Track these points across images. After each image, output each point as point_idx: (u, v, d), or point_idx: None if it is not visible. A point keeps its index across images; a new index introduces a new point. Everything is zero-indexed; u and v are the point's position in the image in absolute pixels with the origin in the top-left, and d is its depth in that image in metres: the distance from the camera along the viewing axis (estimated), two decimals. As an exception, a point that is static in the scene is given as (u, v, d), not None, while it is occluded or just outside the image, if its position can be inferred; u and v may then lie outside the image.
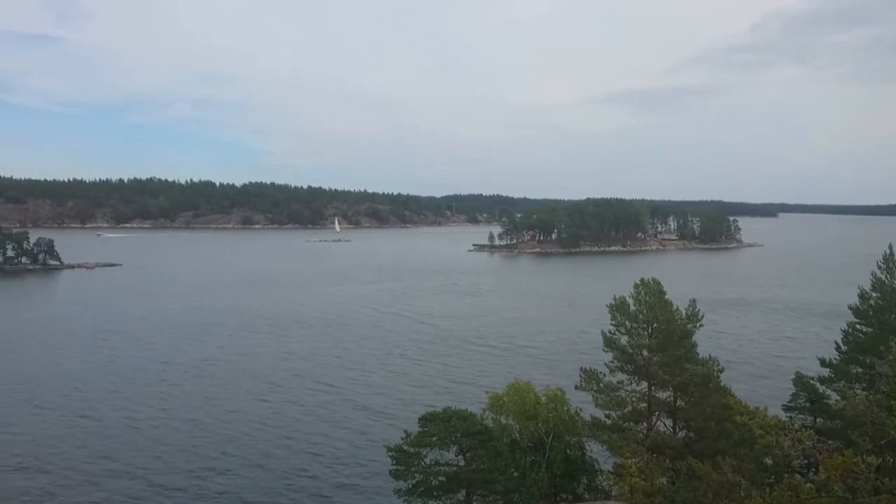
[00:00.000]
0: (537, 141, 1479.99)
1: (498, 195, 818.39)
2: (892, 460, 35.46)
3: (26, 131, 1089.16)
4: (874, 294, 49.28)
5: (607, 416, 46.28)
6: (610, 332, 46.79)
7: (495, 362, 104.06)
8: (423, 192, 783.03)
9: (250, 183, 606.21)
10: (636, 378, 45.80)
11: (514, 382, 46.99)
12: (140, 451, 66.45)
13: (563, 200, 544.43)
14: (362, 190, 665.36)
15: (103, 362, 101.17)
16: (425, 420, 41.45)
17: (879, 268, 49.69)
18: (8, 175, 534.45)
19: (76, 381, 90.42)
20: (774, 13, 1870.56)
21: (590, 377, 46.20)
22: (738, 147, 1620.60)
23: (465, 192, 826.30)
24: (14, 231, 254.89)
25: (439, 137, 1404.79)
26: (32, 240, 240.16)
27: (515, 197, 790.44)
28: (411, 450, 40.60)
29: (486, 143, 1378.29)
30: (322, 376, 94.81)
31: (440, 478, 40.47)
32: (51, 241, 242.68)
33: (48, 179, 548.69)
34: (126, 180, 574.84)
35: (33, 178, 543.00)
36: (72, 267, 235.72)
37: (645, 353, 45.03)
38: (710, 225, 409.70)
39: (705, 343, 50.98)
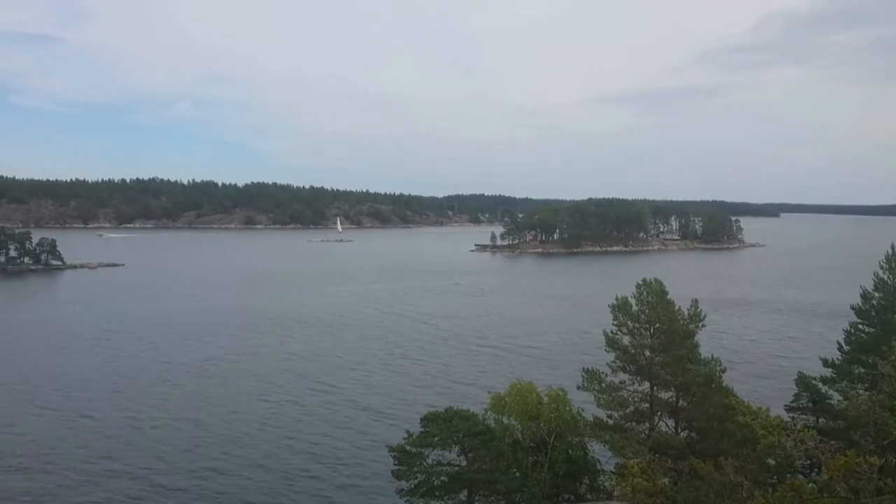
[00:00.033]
0: (538, 141, 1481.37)
1: (500, 195, 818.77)
2: (894, 461, 35.42)
3: (28, 131, 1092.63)
4: (876, 294, 49.26)
5: (609, 417, 46.26)
6: (612, 332, 46.76)
7: (497, 362, 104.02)
8: (424, 192, 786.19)
9: (252, 183, 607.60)
10: (638, 378, 45.78)
11: (516, 382, 46.98)
12: (142, 451, 66.50)
13: (565, 200, 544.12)
14: (364, 190, 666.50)
15: (105, 362, 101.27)
16: (427, 420, 41.44)
17: (882, 268, 49.67)
18: (10, 175, 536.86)
19: (78, 382, 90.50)
20: (776, 13, 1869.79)
21: (592, 377, 46.17)
22: (739, 147, 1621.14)
23: (465, 192, 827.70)
24: (17, 231, 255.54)
25: (439, 137, 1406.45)
26: (35, 240, 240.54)
27: (517, 197, 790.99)
28: (413, 450, 40.59)
29: (486, 144, 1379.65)
30: (324, 376, 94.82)
31: (442, 478, 40.44)
32: (53, 241, 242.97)
33: (50, 180, 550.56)
34: (128, 180, 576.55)
35: (36, 178, 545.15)
36: (74, 267, 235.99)
37: (647, 353, 45.01)
38: (712, 225, 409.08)
39: (707, 343, 50.95)
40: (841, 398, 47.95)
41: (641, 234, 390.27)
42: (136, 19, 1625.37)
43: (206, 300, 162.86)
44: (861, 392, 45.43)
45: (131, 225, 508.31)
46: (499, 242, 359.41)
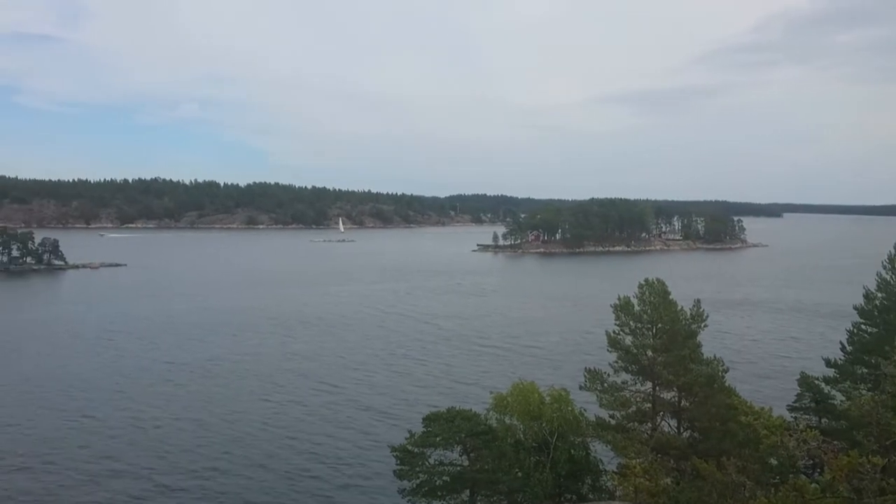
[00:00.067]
0: (539, 141, 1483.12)
1: (502, 195, 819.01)
2: (897, 461, 35.31)
3: (30, 132, 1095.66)
4: (879, 294, 49.14)
5: (611, 417, 46.24)
6: (614, 332, 46.73)
7: (499, 362, 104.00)
8: (425, 192, 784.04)
9: (254, 183, 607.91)
10: (640, 378, 45.75)
11: (518, 382, 46.96)
12: (144, 450, 66.53)
13: (567, 200, 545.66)
14: (366, 190, 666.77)
15: (108, 362, 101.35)
16: (429, 420, 41.43)
17: (884, 268, 49.56)
18: (13, 175, 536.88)
19: (80, 381, 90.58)
20: (777, 13, 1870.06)
21: (594, 377, 46.15)
22: (741, 147, 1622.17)
23: (466, 192, 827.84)
24: (19, 231, 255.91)
25: (439, 137, 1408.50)
26: (37, 240, 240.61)
27: (519, 197, 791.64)
28: (415, 450, 40.59)
29: (486, 144, 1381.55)
30: (326, 376, 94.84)
31: (444, 478, 40.44)
32: (56, 241, 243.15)
33: (53, 180, 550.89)
34: (131, 180, 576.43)
35: (38, 178, 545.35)
36: (76, 267, 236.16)
37: (649, 353, 44.98)
38: (715, 225, 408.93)
39: (710, 343, 50.85)
40: (844, 398, 47.84)
41: (644, 235, 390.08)
42: (136, 19, 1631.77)
43: (208, 300, 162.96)
44: (864, 392, 45.32)
45: (133, 225, 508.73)
46: (501, 242, 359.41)
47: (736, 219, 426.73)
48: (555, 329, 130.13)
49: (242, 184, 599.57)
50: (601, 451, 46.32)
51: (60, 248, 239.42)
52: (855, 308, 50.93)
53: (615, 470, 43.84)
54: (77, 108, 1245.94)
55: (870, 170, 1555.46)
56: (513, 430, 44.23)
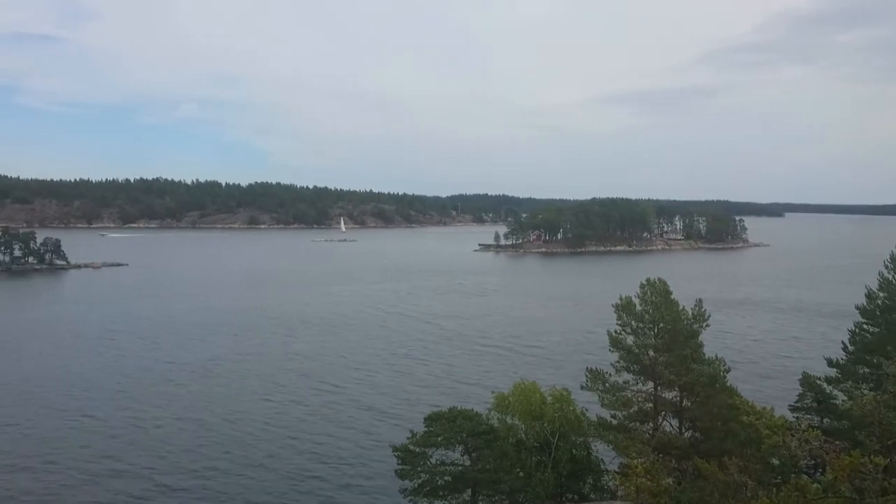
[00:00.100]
0: (540, 141, 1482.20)
1: (503, 195, 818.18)
2: (899, 461, 35.25)
3: (31, 132, 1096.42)
4: (881, 294, 49.10)
5: (613, 416, 46.23)
6: (616, 331, 46.73)
7: (501, 362, 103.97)
8: (426, 192, 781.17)
9: (256, 183, 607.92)
10: (642, 378, 45.75)
11: (519, 382, 46.93)
12: (145, 450, 66.55)
13: (569, 200, 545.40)
14: (367, 190, 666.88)
15: (109, 362, 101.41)
16: (431, 420, 41.42)
17: (886, 268, 49.52)
18: (15, 175, 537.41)
19: (82, 381, 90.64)
20: (779, 13, 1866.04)
21: (595, 377, 46.15)
22: (742, 147, 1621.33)
23: (467, 191, 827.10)
24: (21, 231, 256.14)
25: (439, 137, 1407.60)
26: (39, 240, 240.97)
27: (521, 197, 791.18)
28: (417, 449, 40.58)
29: (486, 144, 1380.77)
30: (327, 376, 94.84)
31: (446, 477, 40.43)
32: (57, 240, 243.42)
33: (55, 180, 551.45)
34: (132, 180, 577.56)
35: (40, 178, 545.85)
36: (78, 267, 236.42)
37: (651, 353, 44.97)
38: (716, 225, 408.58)
39: (711, 343, 50.81)
40: (845, 398, 47.76)
41: (645, 234, 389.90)
42: (136, 19, 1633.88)
43: (209, 300, 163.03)
44: (866, 392, 45.26)
45: (135, 225, 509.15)
46: (502, 242, 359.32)
47: (738, 218, 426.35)
48: (556, 329, 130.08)
49: (244, 184, 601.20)
50: (603, 451, 46.28)
51: (62, 248, 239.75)
52: (857, 308, 50.91)
53: (617, 470, 43.79)
54: (77, 108, 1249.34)
55: (870, 170, 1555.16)
56: (514, 430, 44.19)
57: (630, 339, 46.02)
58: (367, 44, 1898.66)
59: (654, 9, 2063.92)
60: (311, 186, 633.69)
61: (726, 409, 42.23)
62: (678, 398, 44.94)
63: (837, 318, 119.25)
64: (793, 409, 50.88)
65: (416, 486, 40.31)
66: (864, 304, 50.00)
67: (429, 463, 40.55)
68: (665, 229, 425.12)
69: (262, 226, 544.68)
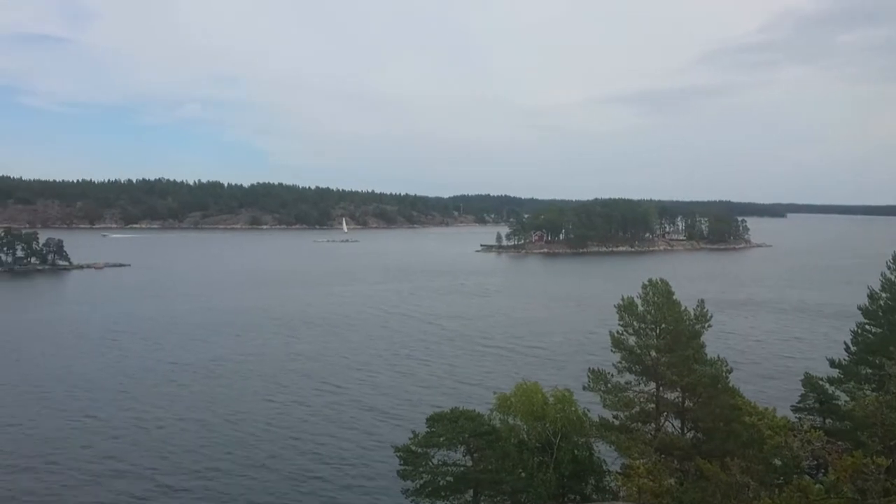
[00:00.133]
0: (542, 141, 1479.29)
1: (505, 195, 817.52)
2: (902, 461, 35.20)
3: (34, 132, 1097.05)
4: (883, 294, 49.08)
5: (615, 417, 46.18)
6: (618, 332, 46.70)
7: (503, 363, 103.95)
8: (427, 192, 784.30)
9: (258, 183, 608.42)
10: (644, 379, 45.70)
11: (521, 383, 46.93)
12: (147, 451, 66.59)
13: (571, 201, 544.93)
14: (369, 190, 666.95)
15: (112, 363, 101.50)
16: (433, 420, 41.42)
17: (888, 268, 49.49)
18: (17, 176, 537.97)
19: (84, 382, 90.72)
20: (780, 13, 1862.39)
21: (598, 378, 46.11)
22: (744, 147, 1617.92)
23: (469, 192, 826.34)
24: (23, 232, 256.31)
25: (439, 137, 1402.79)
26: (42, 240, 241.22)
27: (523, 197, 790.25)
28: (419, 450, 40.57)
29: (487, 144, 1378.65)
30: (329, 377, 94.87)
31: (448, 478, 40.40)
32: (60, 241, 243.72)
33: (57, 180, 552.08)
34: (134, 181, 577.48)
35: (42, 178, 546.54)
36: (81, 267, 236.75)
37: (653, 353, 44.92)
38: (719, 225, 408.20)
39: (714, 344, 50.80)
40: (848, 399, 47.77)
41: (647, 235, 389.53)
42: (136, 19, 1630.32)
43: (211, 300, 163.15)
44: (868, 393, 45.26)
45: (137, 225, 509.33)
46: (504, 243, 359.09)
47: (740, 219, 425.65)
48: (558, 329, 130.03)
49: (245, 184, 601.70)
50: (605, 452, 46.26)
51: (65, 249, 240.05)
52: (859, 308, 50.89)
53: (619, 470, 43.77)
54: (78, 109, 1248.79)
55: (872, 170, 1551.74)
56: (516, 431, 44.18)
57: (632, 340, 45.98)
58: (367, 44, 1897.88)
59: (654, 9, 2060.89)
60: (313, 187, 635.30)
61: (728, 409, 42.20)
62: (680, 399, 44.90)
63: (840, 319, 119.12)
64: (795, 409, 50.91)
65: (417, 486, 40.30)
66: (867, 304, 49.99)
67: (431, 463, 40.55)
68: (667, 230, 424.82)
69: (265, 226, 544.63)
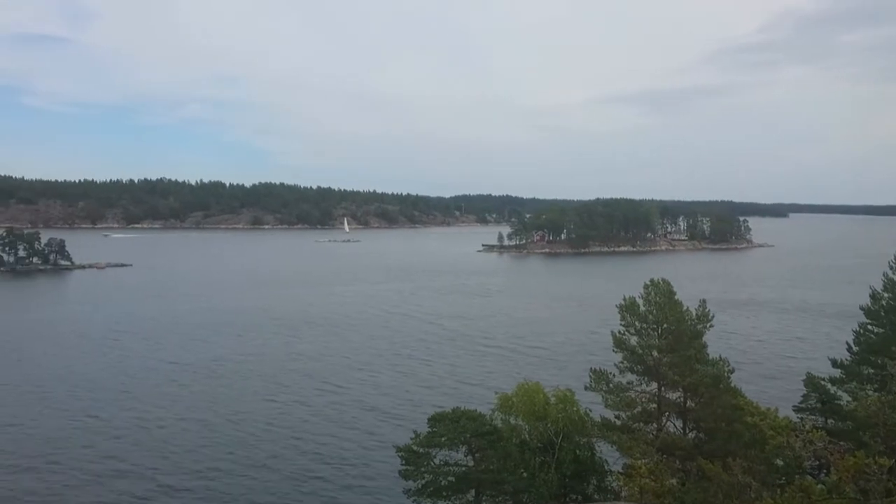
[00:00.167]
0: (543, 141, 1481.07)
1: (507, 195, 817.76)
2: (904, 462, 35.13)
3: (36, 132, 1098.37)
4: (886, 294, 48.87)
5: (617, 417, 46.09)
6: (620, 332, 46.60)
7: (504, 363, 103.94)
8: (428, 192, 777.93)
9: (260, 183, 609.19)
10: (646, 379, 45.60)
11: (523, 383, 46.83)
12: (148, 451, 66.62)
13: (573, 201, 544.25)
14: (371, 190, 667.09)
15: (113, 362, 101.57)
16: (434, 420, 41.37)
17: (891, 268, 49.34)
18: (19, 176, 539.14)
19: (86, 381, 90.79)
20: (782, 14, 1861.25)
21: (599, 378, 46.03)
22: (746, 147, 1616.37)
23: (470, 192, 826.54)
24: (26, 231, 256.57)
25: (439, 137, 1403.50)
26: (44, 240, 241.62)
27: (525, 197, 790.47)
28: (420, 450, 40.52)
29: (488, 144, 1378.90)
30: (330, 377, 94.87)
31: (449, 478, 40.35)
32: (62, 241, 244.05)
33: (59, 180, 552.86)
34: (136, 181, 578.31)
35: (44, 178, 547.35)
36: (83, 267, 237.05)
37: (655, 353, 44.83)
38: (721, 225, 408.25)
39: (715, 344, 50.72)
40: (850, 399, 47.63)
41: (649, 235, 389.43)
42: (136, 19, 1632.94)
43: (213, 300, 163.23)
44: (870, 393, 45.14)
45: (139, 225, 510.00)
46: (506, 243, 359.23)
47: (742, 219, 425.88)
48: (560, 329, 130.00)
49: (247, 184, 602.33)
50: (606, 452, 46.17)
51: (66, 249, 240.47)
52: (861, 308, 50.70)
53: (620, 470, 43.70)
54: (79, 108, 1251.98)
55: (873, 170, 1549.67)
56: (518, 431, 44.11)
57: (634, 340, 45.88)
58: (367, 44, 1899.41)
59: (654, 9, 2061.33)
60: (314, 187, 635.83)
61: (730, 409, 42.12)
62: (682, 399, 44.81)
63: (842, 319, 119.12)
64: (797, 409, 50.74)
65: (419, 486, 40.25)
66: (869, 304, 49.79)
67: (432, 463, 40.50)
68: (669, 230, 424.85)
69: (266, 226, 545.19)
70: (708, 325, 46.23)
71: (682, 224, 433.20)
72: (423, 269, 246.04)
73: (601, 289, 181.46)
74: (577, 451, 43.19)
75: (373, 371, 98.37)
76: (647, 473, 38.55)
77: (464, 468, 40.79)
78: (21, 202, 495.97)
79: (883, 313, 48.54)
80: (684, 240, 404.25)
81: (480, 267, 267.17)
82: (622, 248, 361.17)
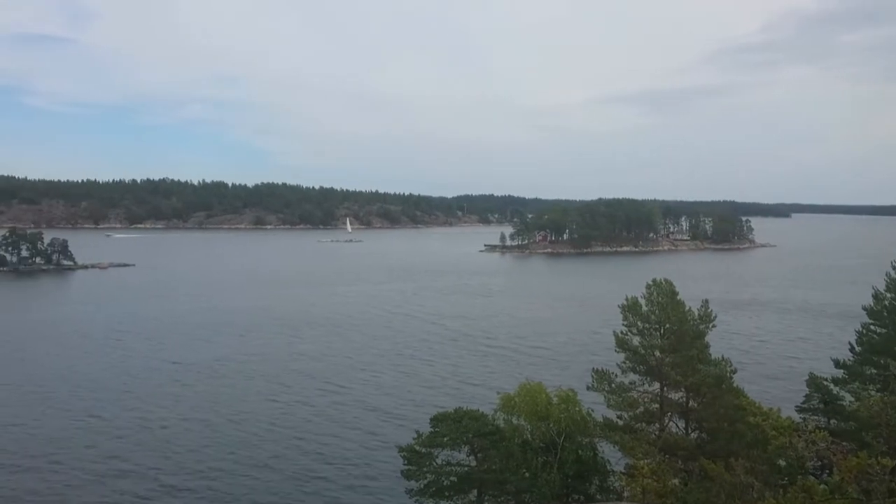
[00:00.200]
0: (544, 142, 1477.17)
1: (509, 195, 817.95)
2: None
3: (38, 132, 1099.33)
4: (888, 295, 48.81)
5: (619, 417, 46.09)
6: (622, 332, 46.58)
7: (506, 363, 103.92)
8: (429, 192, 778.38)
9: (262, 184, 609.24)
10: (648, 379, 45.58)
11: (525, 383, 46.84)
12: (151, 451, 66.68)
13: (575, 201, 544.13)
14: (373, 190, 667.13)
15: (116, 362, 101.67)
16: (437, 420, 41.38)
17: (894, 268, 49.28)
18: (22, 176, 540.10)
19: (89, 381, 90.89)
20: (783, 14, 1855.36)
21: (602, 378, 46.00)
22: (748, 147, 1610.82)
23: (473, 192, 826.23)
24: (28, 232, 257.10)
25: (439, 137, 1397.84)
26: (46, 240, 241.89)
27: (527, 197, 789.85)
28: (423, 450, 40.54)
29: (488, 144, 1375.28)
30: (332, 377, 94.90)
31: (452, 478, 40.38)
32: (65, 241, 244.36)
33: (61, 180, 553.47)
34: (139, 181, 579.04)
35: (46, 178, 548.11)
36: (85, 267, 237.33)
37: (657, 353, 44.81)
38: (723, 225, 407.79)
39: (718, 344, 50.73)
40: (853, 399, 47.63)
41: (651, 235, 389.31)
42: (136, 19, 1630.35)
43: (215, 301, 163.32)
44: (873, 393, 45.13)
45: (142, 225, 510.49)
46: (508, 243, 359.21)
47: (744, 219, 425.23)
48: (562, 329, 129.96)
49: (249, 184, 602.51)
50: (609, 452, 46.14)
51: (69, 249, 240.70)
52: (864, 308, 50.66)
53: (623, 471, 43.70)
54: (81, 108, 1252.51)
55: (874, 170, 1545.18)
56: (520, 431, 44.11)
57: (636, 340, 45.86)
58: (367, 44, 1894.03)
59: (654, 9, 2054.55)
60: (317, 187, 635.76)
61: (733, 409, 42.10)
62: (684, 399, 44.79)
63: (844, 319, 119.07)
64: (799, 410, 50.73)
65: (421, 486, 40.28)
66: (871, 304, 49.75)
67: (435, 463, 40.51)
68: (671, 230, 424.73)
69: (269, 226, 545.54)
70: (710, 326, 46.21)
71: (685, 224, 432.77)
72: (425, 269, 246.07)
73: (603, 289, 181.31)
74: (580, 452, 43.18)
75: (375, 371, 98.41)
76: (650, 474, 38.54)
77: (466, 468, 40.81)
78: (24, 202, 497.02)
79: (885, 313, 48.48)
80: (687, 240, 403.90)
81: (483, 267, 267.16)
82: (624, 249, 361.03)
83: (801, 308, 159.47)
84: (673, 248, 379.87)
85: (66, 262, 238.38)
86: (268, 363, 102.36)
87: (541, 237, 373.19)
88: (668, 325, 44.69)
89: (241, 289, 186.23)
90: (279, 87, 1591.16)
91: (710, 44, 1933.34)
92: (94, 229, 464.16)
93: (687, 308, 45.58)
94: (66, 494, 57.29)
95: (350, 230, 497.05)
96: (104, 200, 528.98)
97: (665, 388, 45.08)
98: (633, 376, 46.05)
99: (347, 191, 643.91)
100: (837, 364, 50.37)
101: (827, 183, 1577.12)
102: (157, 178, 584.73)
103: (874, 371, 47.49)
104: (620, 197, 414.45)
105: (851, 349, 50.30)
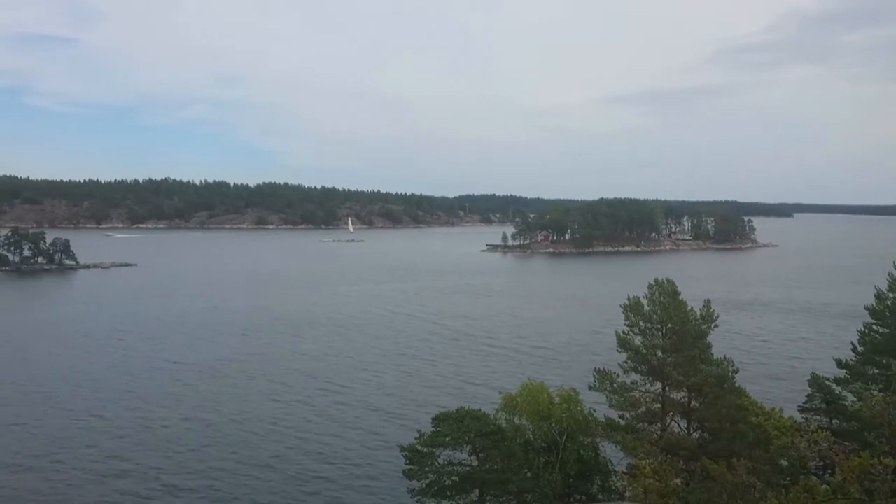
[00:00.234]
0: (545, 142, 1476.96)
1: (511, 195, 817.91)
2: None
3: (41, 132, 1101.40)
4: (891, 295, 48.74)
5: (621, 417, 46.09)
6: (624, 332, 46.57)
7: (508, 363, 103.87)
8: (431, 192, 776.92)
9: (264, 183, 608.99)
10: (650, 379, 45.58)
11: (527, 383, 46.87)
12: (152, 451, 66.67)
13: (577, 201, 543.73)
14: (375, 190, 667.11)
15: (117, 362, 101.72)
16: (438, 420, 41.37)
17: (896, 268, 49.24)
18: (25, 175, 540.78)
19: (90, 381, 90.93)
20: (785, 14, 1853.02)
21: (603, 378, 46.00)
22: (750, 147, 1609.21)
23: (474, 192, 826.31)
24: (31, 231, 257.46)
25: (440, 137, 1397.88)
26: (49, 240, 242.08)
27: (529, 197, 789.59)
28: (425, 450, 40.53)
29: (488, 144, 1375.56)
30: (334, 377, 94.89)
31: (453, 478, 40.36)
32: (67, 241, 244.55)
33: (64, 180, 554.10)
34: (141, 181, 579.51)
35: (49, 178, 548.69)
36: (87, 267, 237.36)
37: (659, 353, 44.80)
38: (725, 225, 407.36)
39: (720, 344, 50.63)
40: (855, 399, 47.60)
41: (653, 235, 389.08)
42: (138, 19, 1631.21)
43: (216, 300, 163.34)
44: (875, 393, 45.10)
45: (144, 225, 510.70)
46: (510, 242, 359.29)
47: (746, 219, 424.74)
48: (564, 329, 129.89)
49: (251, 184, 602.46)
50: (611, 452, 46.15)
51: (71, 248, 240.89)
52: (866, 308, 50.58)
53: (625, 470, 43.72)
54: (82, 108, 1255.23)
55: (876, 170, 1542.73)
56: (522, 431, 44.12)
57: (638, 340, 45.85)
58: (367, 44, 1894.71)
59: (655, 9, 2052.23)
60: (318, 187, 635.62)
61: (735, 409, 42.08)
62: (686, 399, 44.76)
63: (846, 319, 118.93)
64: (802, 410, 50.69)
65: (423, 486, 40.27)
66: (874, 304, 49.68)
67: (436, 463, 40.50)
68: (673, 230, 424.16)
69: (271, 226, 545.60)
70: (712, 325, 46.20)
71: (687, 224, 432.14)
72: (427, 269, 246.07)
73: (605, 289, 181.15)
74: (582, 451, 43.17)
75: (377, 371, 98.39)
76: (652, 473, 38.54)
77: (468, 468, 40.80)
78: (26, 202, 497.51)
79: (888, 313, 48.41)
80: (689, 240, 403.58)
81: (484, 267, 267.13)
82: (626, 248, 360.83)
83: (803, 308, 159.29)
84: (675, 248, 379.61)
85: (68, 262, 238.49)
86: (269, 363, 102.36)
87: (542, 237, 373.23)
88: (670, 325, 44.69)
89: (242, 289, 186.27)
90: (280, 87, 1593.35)
91: (711, 44, 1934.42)
92: (96, 229, 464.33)
93: (689, 308, 45.57)
94: (67, 494, 57.30)
95: (352, 230, 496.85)
96: (106, 200, 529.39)
97: (667, 388, 45.07)
98: (634, 376, 46.06)
99: (349, 191, 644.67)
100: (840, 364, 50.32)
101: (828, 183, 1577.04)
102: (158, 178, 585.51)
103: (876, 371, 47.44)
104: (622, 197, 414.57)
105: (854, 349, 50.25)
